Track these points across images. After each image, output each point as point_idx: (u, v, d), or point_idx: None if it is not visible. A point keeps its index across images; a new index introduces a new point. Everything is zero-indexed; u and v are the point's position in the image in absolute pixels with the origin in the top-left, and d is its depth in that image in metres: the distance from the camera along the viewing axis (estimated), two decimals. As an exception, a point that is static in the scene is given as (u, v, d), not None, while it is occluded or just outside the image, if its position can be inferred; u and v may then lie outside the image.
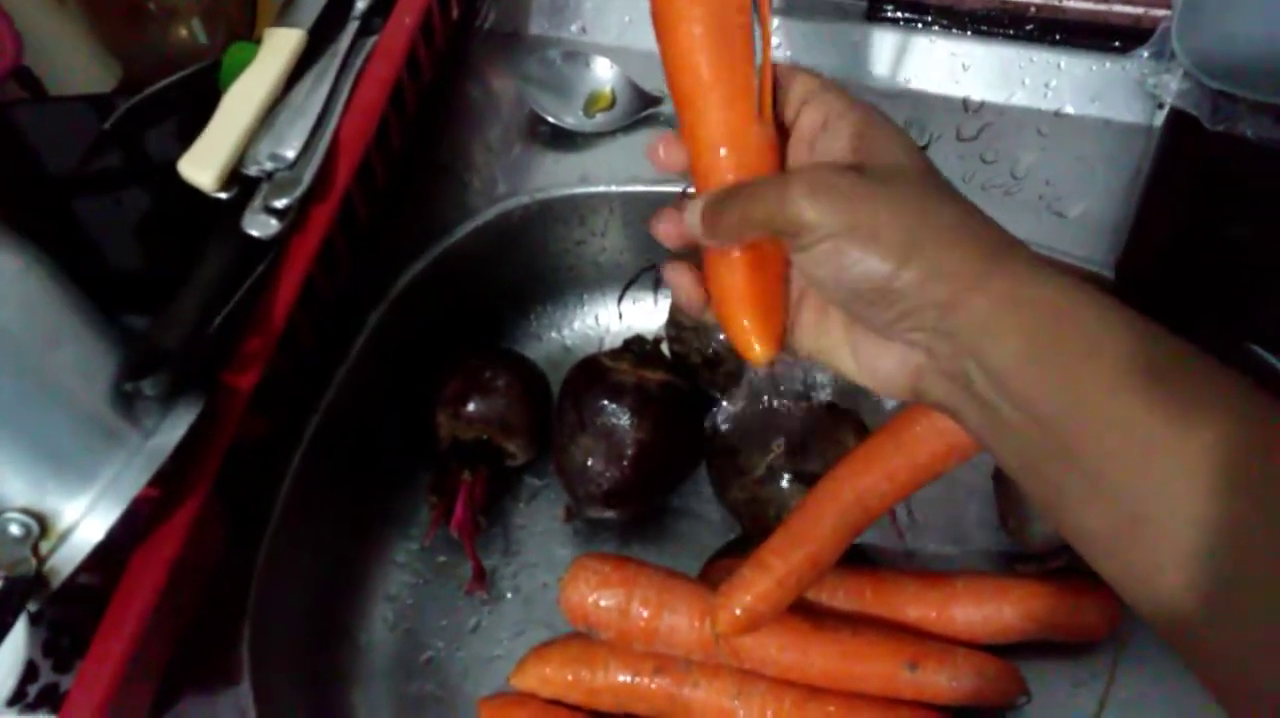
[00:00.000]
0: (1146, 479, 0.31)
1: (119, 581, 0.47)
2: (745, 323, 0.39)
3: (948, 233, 0.34)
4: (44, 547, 0.42)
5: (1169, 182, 0.51)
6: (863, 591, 0.62)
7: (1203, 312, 0.58)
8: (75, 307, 0.45)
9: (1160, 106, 0.59)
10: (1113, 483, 0.32)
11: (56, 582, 0.42)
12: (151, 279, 0.51)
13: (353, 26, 0.61)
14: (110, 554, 0.46)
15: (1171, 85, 0.42)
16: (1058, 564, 0.60)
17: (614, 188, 0.66)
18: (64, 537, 0.43)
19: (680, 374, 0.65)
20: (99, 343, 0.45)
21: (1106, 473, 0.32)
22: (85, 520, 0.43)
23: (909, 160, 0.36)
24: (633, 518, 0.66)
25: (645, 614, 0.59)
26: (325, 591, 0.63)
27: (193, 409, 0.47)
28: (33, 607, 0.44)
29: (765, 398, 0.59)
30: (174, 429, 0.46)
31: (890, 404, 0.68)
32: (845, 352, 0.39)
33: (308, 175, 0.53)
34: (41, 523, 0.42)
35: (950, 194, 0.36)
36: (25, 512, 0.42)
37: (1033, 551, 0.61)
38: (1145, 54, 0.43)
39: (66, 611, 0.48)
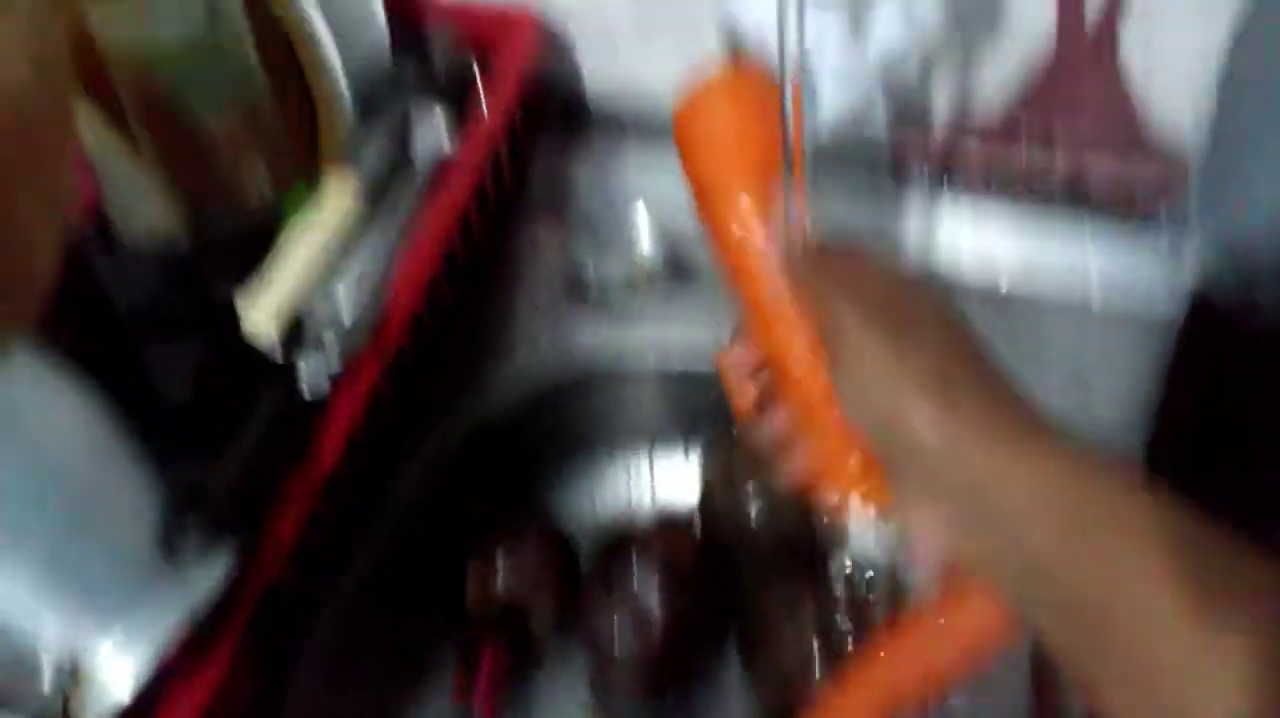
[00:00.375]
0: (1183, 670, 0.31)
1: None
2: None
3: (977, 385, 0.36)
4: (74, 692, 0.42)
5: (1191, 357, 0.52)
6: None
7: (1235, 497, 0.58)
8: (127, 447, 0.46)
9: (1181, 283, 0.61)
10: (1148, 669, 0.31)
11: (84, 731, 0.42)
12: (204, 423, 0.52)
13: (412, 180, 0.64)
14: (140, 699, 0.45)
15: (1190, 257, 0.43)
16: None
17: (654, 347, 0.67)
18: (95, 680, 0.42)
19: (712, 550, 0.65)
20: (147, 483, 0.45)
21: (1141, 658, 0.31)
22: (118, 662, 0.43)
23: (951, 323, 0.38)
24: (659, 698, 0.64)
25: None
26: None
27: (232, 554, 0.47)
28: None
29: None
30: (212, 573, 0.46)
31: (927, 590, 0.68)
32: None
33: (362, 328, 0.55)
34: (73, 664, 0.42)
35: (986, 357, 0.37)
36: (56, 652, 0.42)
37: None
38: (1164, 225, 0.44)
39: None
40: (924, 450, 0.35)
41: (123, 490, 0.45)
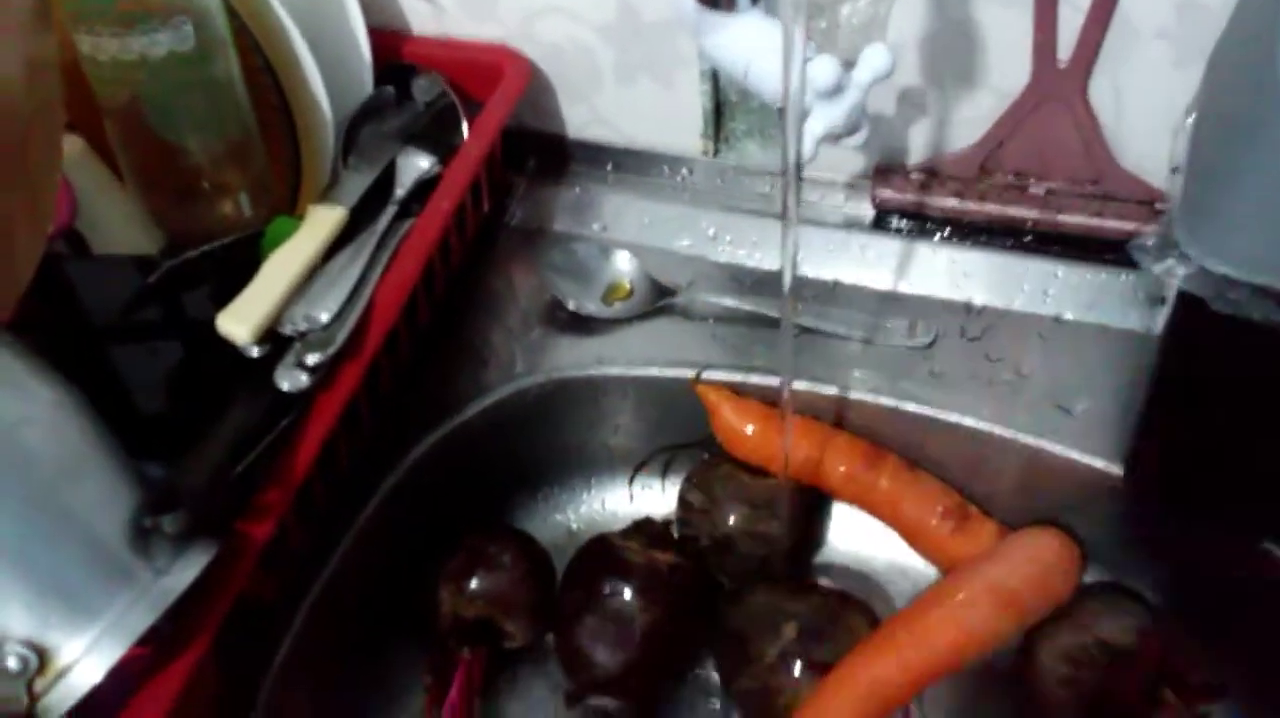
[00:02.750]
0: None
1: (106, 734, 0.45)
2: None
3: None
4: (39, 684, 0.41)
5: (1176, 368, 0.53)
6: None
7: (1216, 507, 0.59)
8: (102, 442, 0.45)
9: (1161, 302, 0.62)
10: None
11: (47, 722, 0.40)
12: (179, 428, 0.52)
13: (391, 210, 0.65)
14: (101, 705, 0.44)
15: (1177, 269, 0.44)
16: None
17: (629, 371, 0.68)
18: (61, 675, 0.41)
19: (690, 558, 0.65)
20: (121, 479, 0.45)
21: None
22: (85, 659, 0.42)
23: None
24: (636, 707, 0.64)
25: (649, 811, 0.56)
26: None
27: (207, 553, 0.46)
28: (13, 755, 0.42)
29: None
30: (186, 571, 0.45)
31: (902, 598, 0.68)
32: None
33: (341, 336, 0.55)
34: (40, 657, 0.41)
35: None
36: (25, 644, 0.41)
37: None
38: (1149, 242, 0.46)
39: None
40: None
41: (96, 486, 0.45)
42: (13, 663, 0.40)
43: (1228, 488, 0.56)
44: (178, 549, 0.46)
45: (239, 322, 0.54)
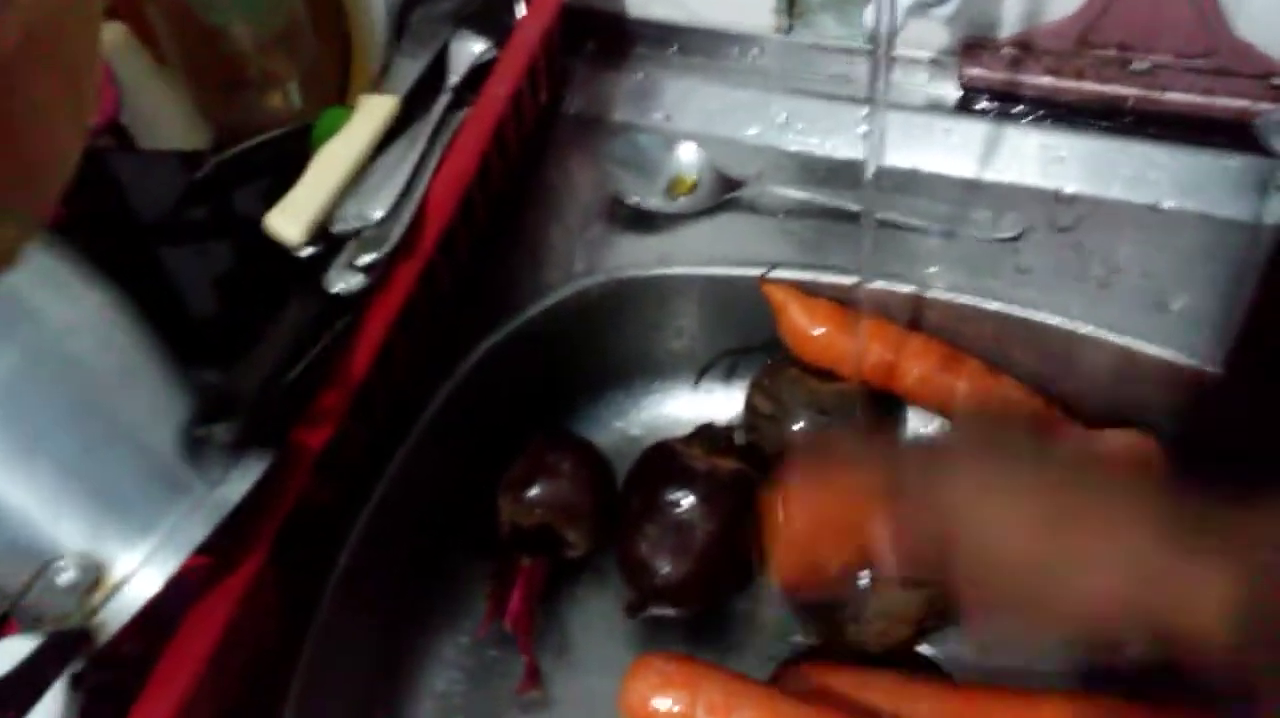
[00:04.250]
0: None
1: (166, 646, 0.44)
2: None
3: None
4: (94, 598, 0.40)
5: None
6: (945, 706, 0.57)
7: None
8: (151, 348, 0.44)
9: (1277, 189, 0.57)
10: None
11: (105, 637, 0.40)
12: (231, 332, 0.50)
13: (445, 99, 0.62)
14: (158, 618, 0.43)
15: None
16: (1151, 683, 0.56)
17: (695, 270, 0.65)
18: (116, 588, 0.40)
19: (754, 465, 0.62)
20: (172, 386, 0.44)
21: None
22: (140, 572, 0.41)
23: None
24: (698, 618, 0.62)
25: (712, 721, 0.55)
26: (371, 684, 0.59)
27: (262, 462, 0.45)
28: (76, 667, 0.42)
29: None
30: (241, 481, 0.44)
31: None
32: None
33: (395, 234, 0.53)
34: (96, 570, 0.40)
35: None
36: (80, 557, 0.40)
37: (1123, 668, 0.57)
38: (1258, 135, 0.41)
39: (109, 676, 0.45)
40: None
41: (147, 394, 0.43)
42: (68, 577, 0.40)
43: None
44: (232, 459, 0.44)
45: (290, 220, 0.51)
